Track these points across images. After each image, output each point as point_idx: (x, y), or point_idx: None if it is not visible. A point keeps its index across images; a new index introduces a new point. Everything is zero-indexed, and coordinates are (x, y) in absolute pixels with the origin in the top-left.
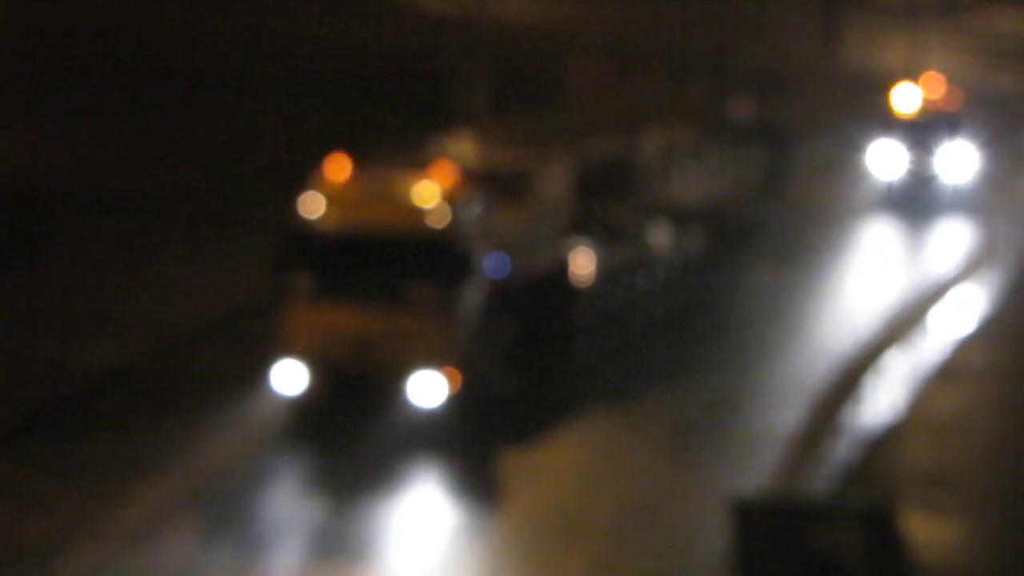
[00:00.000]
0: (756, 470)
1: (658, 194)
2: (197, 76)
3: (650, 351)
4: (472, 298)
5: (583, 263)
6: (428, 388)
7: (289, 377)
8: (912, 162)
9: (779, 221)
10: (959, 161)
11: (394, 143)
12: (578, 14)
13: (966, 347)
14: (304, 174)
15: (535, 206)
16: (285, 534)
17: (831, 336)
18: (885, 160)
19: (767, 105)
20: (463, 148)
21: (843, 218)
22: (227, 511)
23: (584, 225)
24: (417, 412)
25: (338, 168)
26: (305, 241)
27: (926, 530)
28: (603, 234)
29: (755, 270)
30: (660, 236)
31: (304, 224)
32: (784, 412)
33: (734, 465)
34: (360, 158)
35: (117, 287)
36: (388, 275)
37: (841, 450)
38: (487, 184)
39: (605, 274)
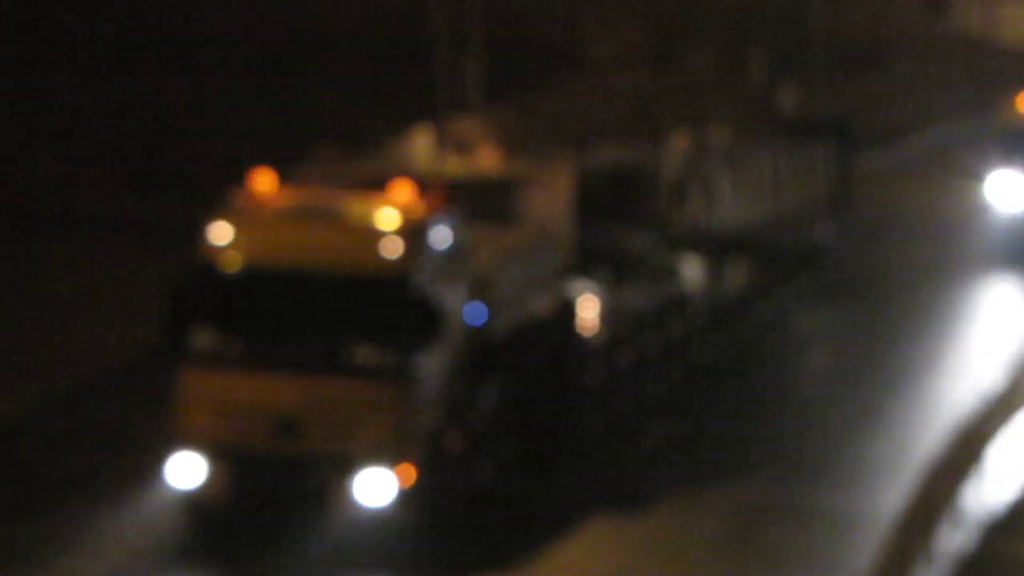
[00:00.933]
0: (846, 567)
1: (689, 215)
2: (129, 52)
3: (684, 421)
4: (438, 361)
5: (590, 308)
6: (375, 485)
7: (187, 469)
8: None
9: (854, 249)
10: None
11: (346, 144)
12: None
13: None
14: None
15: (526, 231)
16: None
17: (934, 396)
18: (1006, 185)
19: (844, 90)
20: (429, 151)
21: (945, 244)
22: None
23: (591, 256)
24: (359, 516)
25: (259, 187)
26: (210, 285)
27: None
28: (616, 269)
29: (821, 313)
30: (692, 270)
31: (210, 262)
32: (879, 491)
33: (815, 560)
34: (291, 172)
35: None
36: (323, 332)
37: (955, 537)
38: (461, 201)
39: (619, 323)
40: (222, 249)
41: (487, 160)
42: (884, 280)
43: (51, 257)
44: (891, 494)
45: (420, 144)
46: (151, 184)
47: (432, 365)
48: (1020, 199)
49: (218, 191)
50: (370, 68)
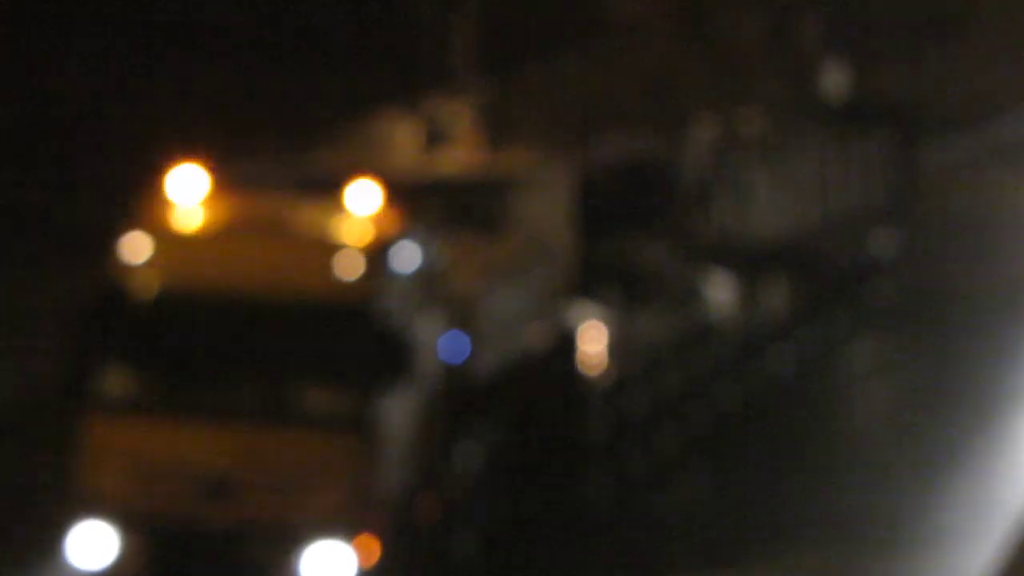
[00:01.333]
0: None
1: (716, 222)
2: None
3: (710, 479)
4: (408, 407)
5: (595, 339)
6: (329, 562)
7: (94, 543)
8: None
9: (920, 262)
10: None
11: (294, 134)
12: None
13: None
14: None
15: (517, 244)
16: None
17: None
18: None
19: (919, 62)
20: (399, 143)
21: None
22: None
23: (597, 275)
24: None
25: (184, 191)
26: (123, 313)
27: None
28: (627, 290)
29: (879, 342)
30: (720, 291)
31: (122, 285)
32: (960, 558)
33: None
34: (224, 170)
35: None
36: (264, 372)
37: None
38: (438, 207)
39: (631, 357)
40: (137, 269)
41: (470, 155)
42: (957, 301)
43: None
44: (974, 562)
45: (388, 134)
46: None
47: (400, 412)
48: None
49: (133, 190)
50: (336, 29)
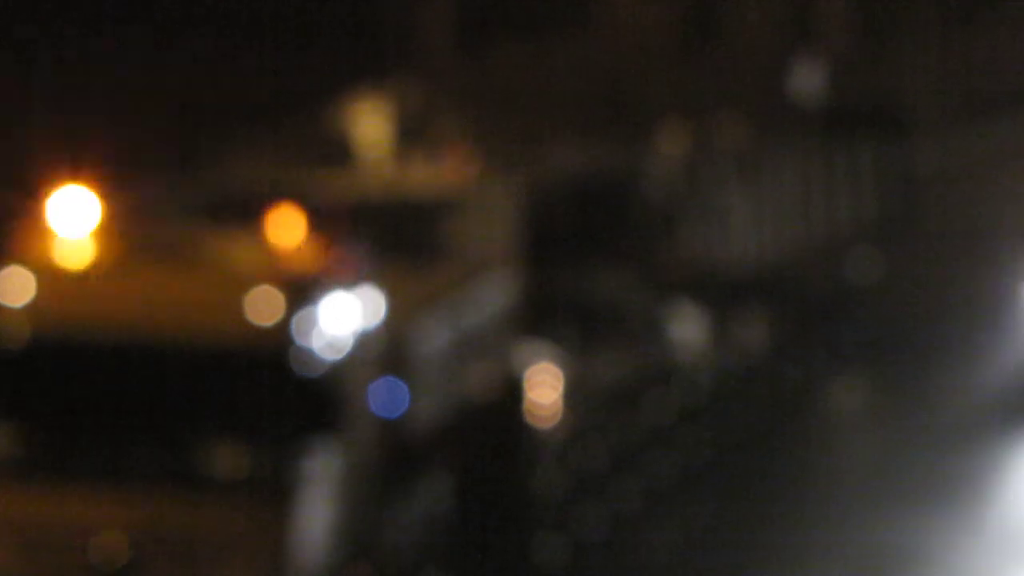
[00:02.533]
0: None
1: (686, 246)
2: None
3: (674, 544)
4: (337, 466)
5: (547, 384)
6: None
7: None
8: None
9: (910, 285)
10: None
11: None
12: None
13: None
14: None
15: (457, 274)
16: None
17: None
18: None
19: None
20: (323, 154)
21: None
22: None
23: (549, 309)
24: None
25: (69, 218)
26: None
27: None
28: (583, 325)
29: (864, 379)
30: (688, 327)
31: None
32: None
33: None
34: (120, 193)
35: None
36: (166, 428)
37: None
38: (367, 232)
39: (586, 404)
40: (13, 311)
41: (404, 170)
42: (947, 325)
43: None
44: None
45: (311, 142)
46: None
47: (325, 472)
48: None
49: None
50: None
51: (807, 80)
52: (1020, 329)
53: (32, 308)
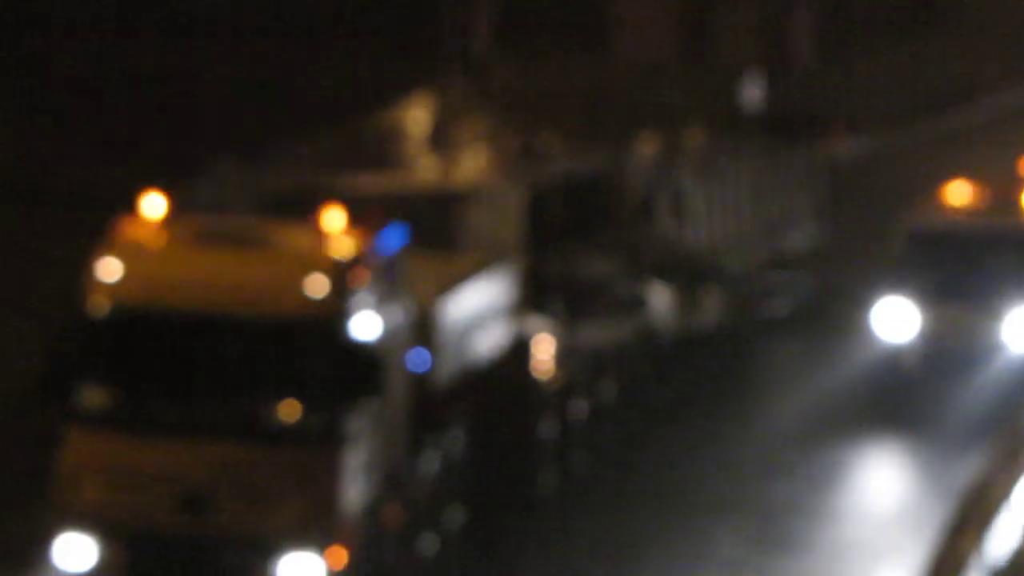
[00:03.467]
0: None
1: (659, 234)
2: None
3: (644, 478)
4: (376, 420)
5: (545, 349)
6: (301, 570)
7: (75, 551)
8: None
9: (836, 263)
10: None
11: (254, 150)
12: None
13: None
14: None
15: (472, 259)
16: None
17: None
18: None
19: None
20: (365, 154)
21: None
22: None
23: (545, 287)
24: None
25: (153, 212)
26: (98, 332)
27: None
28: (574, 301)
29: (795, 343)
30: (662, 300)
31: (98, 304)
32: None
33: None
34: (194, 190)
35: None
36: (235, 388)
37: None
38: (397, 223)
39: (576, 365)
40: (111, 288)
41: (427, 169)
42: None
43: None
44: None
45: (356, 144)
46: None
47: (367, 424)
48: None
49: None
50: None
51: (755, 93)
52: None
53: (121, 285)
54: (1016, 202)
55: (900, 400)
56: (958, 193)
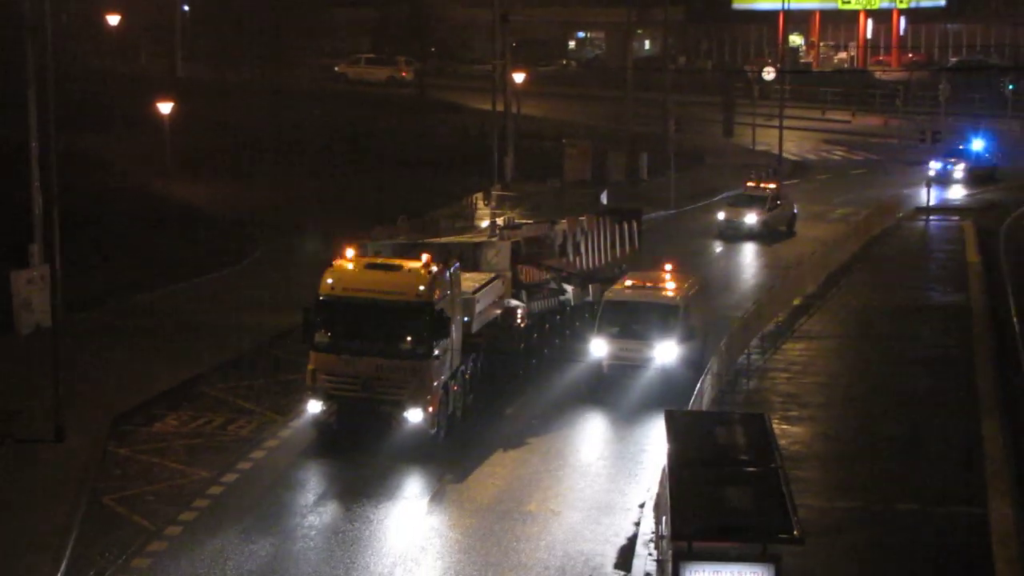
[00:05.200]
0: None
1: (570, 262)
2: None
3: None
4: (447, 348)
5: (520, 313)
6: (415, 415)
7: (314, 406)
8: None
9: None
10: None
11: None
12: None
13: None
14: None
15: (488, 274)
16: None
17: None
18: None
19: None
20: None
21: None
22: None
23: (520, 286)
24: (406, 430)
25: (347, 254)
26: (324, 308)
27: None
28: (532, 291)
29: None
30: (571, 292)
31: (324, 294)
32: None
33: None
34: (368, 232)
35: (289, 277)
36: (385, 333)
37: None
38: (454, 258)
39: (531, 318)
40: (329, 286)
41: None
42: None
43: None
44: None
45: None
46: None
47: (444, 350)
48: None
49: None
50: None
51: (606, 196)
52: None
53: (335, 284)
54: (654, 284)
55: (600, 389)
56: (628, 279)
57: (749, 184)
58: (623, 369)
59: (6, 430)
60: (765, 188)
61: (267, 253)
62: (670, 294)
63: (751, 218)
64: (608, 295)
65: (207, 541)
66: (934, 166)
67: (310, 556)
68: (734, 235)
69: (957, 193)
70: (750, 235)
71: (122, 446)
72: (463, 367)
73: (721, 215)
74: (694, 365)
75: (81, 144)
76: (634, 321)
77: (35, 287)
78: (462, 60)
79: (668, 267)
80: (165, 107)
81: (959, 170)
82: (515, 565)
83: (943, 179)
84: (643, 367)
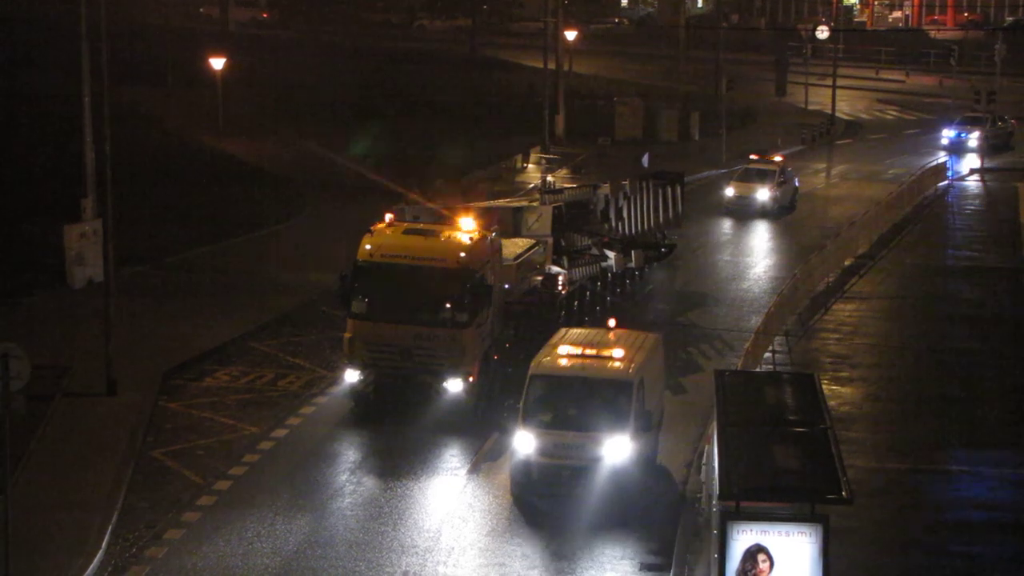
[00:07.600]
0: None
1: (611, 227)
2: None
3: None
4: (488, 316)
5: (561, 280)
6: (454, 384)
7: (352, 375)
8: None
9: (681, 247)
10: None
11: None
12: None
13: None
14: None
15: (529, 240)
16: None
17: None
18: None
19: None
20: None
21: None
22: None
23: (561, 252)
24: (446, 399)
25: (388, 221)
26: (363, 273)
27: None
28: (573, 258)
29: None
30: (613, 257)
31: (363, 260)
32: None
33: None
34: (402, 216)
35: (332, 237)
36: (425, 301)
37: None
38: (496, 223)
39: (573, 283)
40: (367, 252)
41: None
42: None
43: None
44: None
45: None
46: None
47: (485, 318)
48: None
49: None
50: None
51: (647, 159)
52: None
53: (374, 249)
54: (596, 352)
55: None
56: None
57: (753, 157)
58: (557, 473)
59: (58, 384)
60: (771, 161)
61: (314, 212)
62: (618, 365)
63: (763, 194)
64: (534, 367)
65: (256, 496)
66: (947, 134)
67: (359, 513)
68: (744, 212)
69: (973, 163)
70: (762, 212)
71: (173, 400)
72: (503, 336)
73: (730, 191)
74: (650, 463)
75: (134, 99)
76: (572, 404)
77: (87, 241)
78: (513, 18)
79: (612, 323)
80: (217, 63)
81: (974, 138)
82: (567, 515)
83: (957, 148)
84: (587, 469)
